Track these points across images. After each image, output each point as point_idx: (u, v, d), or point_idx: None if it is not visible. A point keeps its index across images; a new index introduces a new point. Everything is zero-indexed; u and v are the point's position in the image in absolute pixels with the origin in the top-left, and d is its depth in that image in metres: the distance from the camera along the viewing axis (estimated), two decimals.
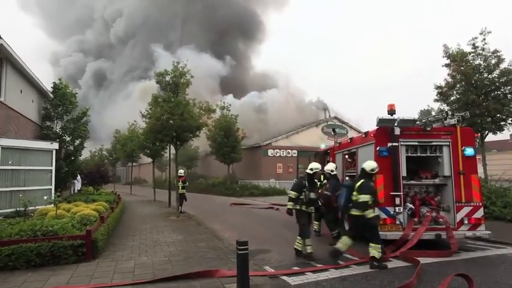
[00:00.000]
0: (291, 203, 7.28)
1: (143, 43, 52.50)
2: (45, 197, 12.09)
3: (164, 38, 51.86)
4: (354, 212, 6.59)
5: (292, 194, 7.27)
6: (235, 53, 52.47)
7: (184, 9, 53.03)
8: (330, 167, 9.17)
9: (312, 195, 7.31)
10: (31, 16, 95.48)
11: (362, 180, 6.58)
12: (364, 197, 6.38)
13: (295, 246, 7.31)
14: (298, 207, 7.25)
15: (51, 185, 13.33)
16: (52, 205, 10.10)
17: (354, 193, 6.57)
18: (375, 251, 6.29)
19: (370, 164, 6.82)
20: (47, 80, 17.45)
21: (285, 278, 5.82)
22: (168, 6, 52.47)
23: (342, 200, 6.92)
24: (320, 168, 7.79)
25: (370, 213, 6.38)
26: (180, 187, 15.50)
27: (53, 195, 11.94)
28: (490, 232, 7.67)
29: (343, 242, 6.75)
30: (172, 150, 17.82)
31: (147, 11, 53.48)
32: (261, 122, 36.85)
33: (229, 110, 27.77)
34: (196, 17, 52.76)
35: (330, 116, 39.41)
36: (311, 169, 7.53)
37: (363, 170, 6.82)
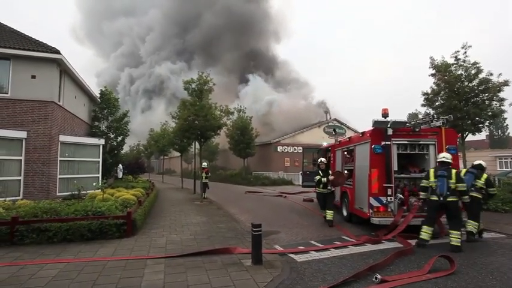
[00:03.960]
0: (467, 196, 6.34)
1: (160, 59, 54.33)
2: (94, 184, 12.36)
3: (177, 61, 53.10)
4: (474, 194, 6.66)
5: (465, 186, 6.25)
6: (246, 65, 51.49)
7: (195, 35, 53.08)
8: None
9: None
10: (86, 47, 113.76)
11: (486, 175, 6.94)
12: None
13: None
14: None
15: (98, 173, 13.64)
16: (99, 190, 10.30)
17: (478, 181, 6.81)
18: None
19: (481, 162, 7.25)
20: (94, 89, 17.91)
21: (292, 255, 5.76)
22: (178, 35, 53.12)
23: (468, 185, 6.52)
24: None
25: (466, 198, 6.33)
26: (204, 177, 15.55)
27: (100, 182, 12.20)
28: None
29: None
30: (197, 146, 17.94)
31: (164, 39, 54.52)
32: (268, 123, 36.41)
33: (245, 113, 27.73)
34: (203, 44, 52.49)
35: (330, 118, 38.82)
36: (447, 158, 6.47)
37: (479, 165, 7.09)
